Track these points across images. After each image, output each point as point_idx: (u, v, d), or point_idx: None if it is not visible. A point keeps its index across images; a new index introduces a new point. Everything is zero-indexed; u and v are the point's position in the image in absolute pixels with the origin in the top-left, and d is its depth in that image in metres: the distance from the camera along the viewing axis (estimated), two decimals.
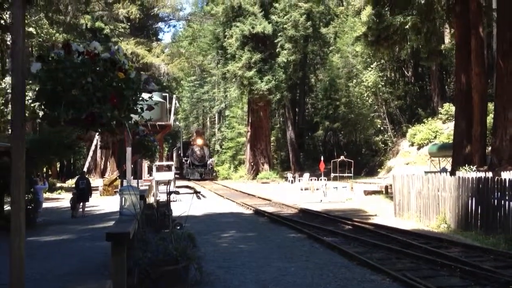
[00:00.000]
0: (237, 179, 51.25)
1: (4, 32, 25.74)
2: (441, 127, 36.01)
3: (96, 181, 32.53)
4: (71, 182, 35.97)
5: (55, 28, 34.72)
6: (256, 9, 45.07)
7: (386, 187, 23.88)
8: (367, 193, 24.05)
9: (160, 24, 60.59)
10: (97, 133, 33.93)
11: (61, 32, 35.00)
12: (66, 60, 2.84)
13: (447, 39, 36.41)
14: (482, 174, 14.39)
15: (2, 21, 24.34)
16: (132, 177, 11.93)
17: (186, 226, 8.70)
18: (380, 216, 16.68)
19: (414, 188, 15.33)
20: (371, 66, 42.49)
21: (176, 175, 31.25)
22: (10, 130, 32.23)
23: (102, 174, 41.11)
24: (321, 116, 49.60)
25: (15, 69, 2.58)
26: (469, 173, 16.07)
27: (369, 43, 25.41)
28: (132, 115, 3.19)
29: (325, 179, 26.80)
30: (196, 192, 29.49)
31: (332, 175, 33.53)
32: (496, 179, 12.42)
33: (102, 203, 22.46)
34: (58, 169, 50.47)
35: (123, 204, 6.58)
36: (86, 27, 40.07)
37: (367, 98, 43.58)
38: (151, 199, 16.63)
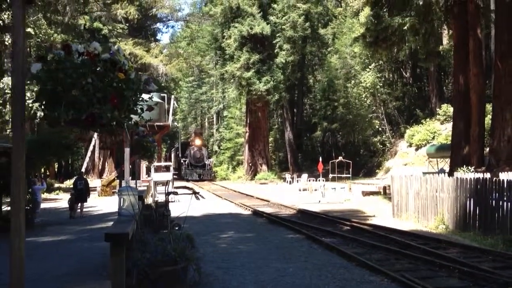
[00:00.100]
0: (235, 180, 51.25)
1: (2, 32, 25.70)
2: (439, 128, 36.07)
3: (94, 182, 32.49)
4: (69, 183, 35.94)
5: (53, 29, 34.69)
6: (254, 10, 45.09)
7: (384, 188, 23.88)
8: (365, 194, 24.06)
9: (159, 25, 60.70)
10: (96, 134, 33.94)
11: (59, 33, 34.97)
12: (66, 61, 2.84)
13: (445, 40, 36.41)
14: (480, 175, 14.41)
15: (0, 22, 24.31)
16: (130, 177, 11.94)
17: (185, 227, 8.70)
18: (378, 217, 16.69)
19: (412, 189, 15.34)
20: (369, 67, 42.55)
21: (174, 176, 31.22)
22: (8, 131, 32.24)
23: (100, 175, 41.06)
24: (319, 116, 49.65)
25: (15, 69, 2.58)
26: (467, 174, 16.08)
27: (368, 44, 25.42)
28: (132, 116, 3.19)
29: (323, 180, 26.81)
30: (195, 193, 29.45)
31: (330, 175, 33.56)
32: (494, 180, 12.44)
33: (100, 203, 22.43)
34: (56, 169, 50.45)
35: (121, 204, 6.57)
36: (84, 27, 40.02)
37: (365, 99, 43.65)
38: (149, 200, 16.61)
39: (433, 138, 35.12)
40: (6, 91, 28.74)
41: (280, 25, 44.72)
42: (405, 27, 22.49)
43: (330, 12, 53.05)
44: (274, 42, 44.93)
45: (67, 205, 18.02)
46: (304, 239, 12.08)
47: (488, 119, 22.21)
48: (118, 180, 27.98)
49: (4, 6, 22.54)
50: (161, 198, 16.29)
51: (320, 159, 32.75)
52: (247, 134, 51.53)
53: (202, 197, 27.37)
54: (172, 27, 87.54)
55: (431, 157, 30.00)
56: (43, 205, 18.83)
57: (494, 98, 18.89)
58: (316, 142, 53.73)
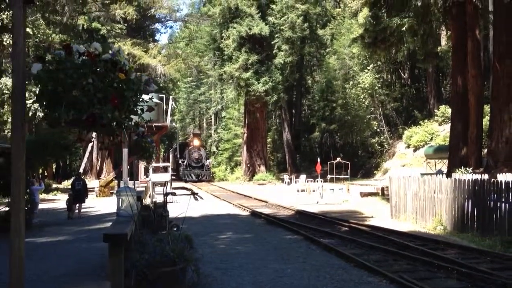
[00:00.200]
0: (233, 181, 51.25)
1: (1, 32, 25.68)
2: (437, 129, 36.11)
3: (92, 182, 32.47)
4: (67, 183, 35.91)
5: (51, 29, 34.66)
6: (253, 11, 45.11)
7: (382, 189, 23.90)
8: (364, 194, 24.07)
9: (157, 25, 60.67)
10: (94, 134, 33.91)
11: (57, 33, 34.94)
12: (67, 61, 2.83)
13: (443, 41, 36.48)
14: (478, 176, 14.43)
15: None
16: (128, 178, 11.92)
17: (183, 228, 8.68)
18: (377, 217, 16.71)
19: (411, 190, 15.36)
20: (368, 68, 42.59)
21: (172, 177, 31.22)
22: (6, 131, 32.15)
23: (98, 175, 41.06)
24: (317, 117, 49.67)
25: (15, 69, 2.57)
26: (465, 175, 16.10)
27: (366, 45, 25.46)
28: (132, 116, 3.19)
29: (321, 181, 26.82)
30: (193, 194, 29.40)
31: (329, 176, 33.58)
32: (492, 181, 12.46)
33: (98, 204, 22.41)
34: (54, 170, 50.40)
35: (120, 205, 6.56)
36: (83, 27, 39.99)
37: (363, 100, 43.69)
38: (147, 201, 16.60)
39: (431, 139, 35.15)
40: (4, 91, 28.72)
41: (279, 26, 44.75)
42: (404, 28, 22.54)
43: (328, 13, 53.09)
44: (272, 42, 44.94)
45: (65, 206, 18.01)
46: (302, 240, 12.08)
47: (486, 121, 22.26)
48: (116, 181, 27.97)
49: (2, 6, 22.50)
50: (159, 198, 16.29)
51: (318, 160, 32.77)
52: (245, 135, 51.52)
53: (201, 197, 27.31)
54: (171, 27, 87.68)
55: (429, 158, 30.06)
56: (41, 206, 18.82)
57: (492, 100, 18.93)
58: (314, 143, 53.75)
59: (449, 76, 35.39)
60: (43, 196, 24.99)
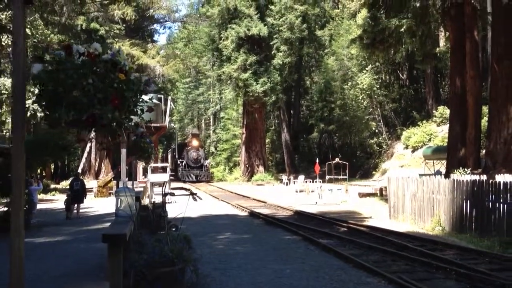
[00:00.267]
0: (232, 181, 51.25)
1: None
2: (436, 130, 36.14)
3: (90, 183, 32.44)
4: (65, 184, 35.88)
5: (50, 29, 34.65)
6: (251, 11, 45.12)
7: (381, 190, 23.91)
8: (362, 195, 24.08)
9: (156, 26, 60.64)
10: (92, 134, 33.88)
11: (56, 33, 34.93)
12: (67, 61, 2.83)
13: (442, 42, 36.54)
14: (476, 177, 14.44)
15: None
16: (127, 178, 11.92)
17: (182, 228, 8.68)
18: (375, 218, 16.72)
19: (409, 190, 15.37)
20: (366, 68, 42.61)
21: (171, 177, 31.22)
22: (4, 131, 32.11)
23: (97, 176, 41.00)
24: (316, 118, 49.68)
25: (15, 69, 2.57)
26: (463, 176, 16.12)
27: (365, 45, 25.49)
28: (132, 117, 3.19)
29: (320, 181, 26.83)
30: (192, 194, 29.45)
31: (327, 177, 33.61)
32: (490, 182, 12.48)
33: (97, 204, 22.38)
34: (52, 170, 50.32)
35: (119, 205, 6.56)
36: (81, 28, 39.96)
37: (362, 101, 43.71)
38: (146, 201, 16.60)
39: (430, 140, 35.19)
40: (2, 91, 28.69)
41: (277, 27, 44.77)
42: (402, 29, 22.58)
43: (327, 14, 53.13)
44: (271, 43, 44.96)
45: (63, 206, 17.98)
46: (301, 240, 12.09)
47: (484, 122, 22.30)
48: (114, 181, 27.95)
49: (1, 6, 22.48)
50: (158, 199, 16.30)
51: (317, 160, 32.80)
52: (244, 135, 51.53)
53: (200, 198, 27.37)
54: (169, 28, 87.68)
55: (427, 159, 30.09)
56: (39, 206, 18.79)
57: (491, 101, 18.95)
58: (312, 143, 53.77)
59: (448, 77, 35.40)
60: (41, 196, 24.96)
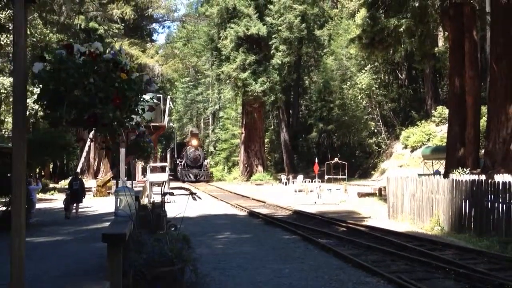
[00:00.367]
0: (231, 181, 51.25)
1: None
2: (435, 130, 36.16)
3: (89, 182, 32.41)
4: (64, 183, 35.87)
5: (48, 28, 34.60)
6: (250, 11, 45.10)
7: (380, 189, 23.94)
8: (361, 195, 24.11)
9: (155, 25, 60.48)
10: (91, 134, 33.86)
11: (54, 32, 34.88)
12: (68, 61, 2.83)
13: (440, 42, 36.57)
14: (475, 177, 14.46)
15: None
16: (126, 178, 11.91)
17: (181, 228, 8.68)
18: (374, 218, 16.72)
19: (408, 190, 15.38)
20: (365, 68, 42.62)
21: (170, 177, 31.20)
22: (3, 131, 32.06)
23: (95, 175, 40.98)
24: (315, 118, 49.68)
25: (17, 69, 2.57)
26: (462, 176, 16.14)
27: (364, 45, 25.46)
28: (133, 116, 3.19)
29: (319, 181, 26.84)
30: (192, 194, 29.44)
31: (326, 177, 33.61)
32: (489, 182, 12.50)
33: (96, 204, 22.38)
34: (51, 169, 50.29)
35: (118, 205, 6.56)
36: (80, 27, 39.92)
37: (361, 101, 43.71)
38: (144, 201, 16.60)
39: (429, 140, 35.21)
40: (1, 90, 28.65)
41: (276, 26, 44.76)
42: (401, 29, 22.55)
43: (326, 14, 53.08)
44: (270, 43, 44.95)
45: (62, 206, 17.98)
46: (300, 240, 12.10)
47: (483, 121, 22.32)
48: (113, 181, 27.94)
49: (0, 5, 22.44)
50: (157, 199, 16.29)
51: (316, 160, 32.80)
52: (243, 135, 51.52)
53: (199, 197, 27.37)
54: (168, 27, 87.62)
55: (426, 159, 30.10)
56: (38, 206, 18.79)
57: (490, 100, 18.96)
58: (311, 143, 53.76)
59: (446, 77, 35.43)
60: (40, 195, 24.94)
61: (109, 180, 28.97)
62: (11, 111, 25.38)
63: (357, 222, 15.08)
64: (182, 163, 51.96)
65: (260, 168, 49.87)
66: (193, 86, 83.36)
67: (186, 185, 41.79)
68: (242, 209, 20.50)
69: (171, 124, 67.69)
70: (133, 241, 6.66)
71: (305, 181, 29.67)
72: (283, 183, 39.06)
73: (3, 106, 29.12)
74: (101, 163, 41.63)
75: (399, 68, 47.72)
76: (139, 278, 5.92)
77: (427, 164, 30.14)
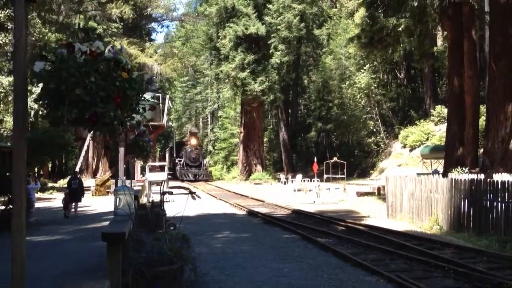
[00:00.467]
0: (229, 180, 51.22)
1: None
2: (433, 129, 36.17)
3: (88, 181, 32.39)
4: (62, 182, 35.86)
5: (47, 28, 34.56)
6: (249, 10, 45.07)
7: (379, 189, 23.96)
8: (360, 194, 24.13)
9: (153, 24, 60.36)
10: (89, 134, 33.85)
11: (53, 32, 34.85)
12: (69, 59, 2.84)
13: (439, 42, 36.56)
14: (474, 176, 14.48)
15: None
16: (124, 177, 11.91)
17: (180, 227, 8.69)
18: (373, 217, 16.74)
19: (407, 189, 15.40)
20: (364, 68, 42.60)
21: (169, 176, 31.20)
22: (2, 130, 32.03)
23: (94, 174, 40.95)
24: (314, 117, 49.68)
25: (17, 68, 2.58)
26: (461, 175, 16.16)
27: (362, 45, 25.46)
28: (134, 115, 3.20)
29: (318, 180, 26.84)
30: (191, 193, 29.43)
31: (325, 176, 33.61)
32: (488, 181, 12.52)
33: (94, 203, 22.37)
34: (49, 169, 50.26)
35: (117, 204, 6.56)
36: (78, 26, 39.86)
37: (359, 100, 43.70)
38: (143, 200, 16.60)
39: (427, 139, 35.21)
40: (0, 90, 28.61)
41: (275, 26, 44.73)
42: (400, 28, 22.56)
43: (325, 13, 53.08)
44: (269, 42, 44.92)
45: (61, 205, 17.97)
46: (299, 239, 12.11)
47: (482, 121, 22.33)
48: (112, 180, 27.93)
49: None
50: (156, 198, 16.30)
51: (315, 159, 32.79)
52: (242, 134, 51.51)
53: (198, 197, 27.36)
54: (167, 26, 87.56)
55: (425, 158, 30.10)
56: (37, 205, 18.76)
57: (488, 100, 18.97)
58: (310, 142, 53.77)
59: (445, 76, 35.48)
60: (39, 195, 24.93)
61: (108, 179, 28.95)
62: (9, 110, 25.38)
63: (356, 221, 15.09)
64: (181, 162, 51.88)
65: (259, 167, 49.87)
66: (192, 86, 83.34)
67: (185, 184, 41.76)
68: (241, 208, 20.51)
69: (170, 123, 67.70)
70: (132, 240, 6.67)
71: (304, 181, 29.67)
72: (282, 182, 39.06)
73: (1, 105, 29.07)
74: (100, 162, 41.61)
75: (398, 67, 47.74)
76: (138, 277, 5.92)
77: (426, 163, 30.14)
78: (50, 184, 35.83)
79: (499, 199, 11.83)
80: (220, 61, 47.94)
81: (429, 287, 7.19)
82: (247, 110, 50.17)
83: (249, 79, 44.25)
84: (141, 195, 16.10)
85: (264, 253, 10.08)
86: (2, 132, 32.85)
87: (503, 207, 11.72)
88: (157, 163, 31.61)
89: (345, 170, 34.57)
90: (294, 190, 26.01)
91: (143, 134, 9.06)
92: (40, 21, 32.63)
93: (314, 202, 22.35)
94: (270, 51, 44.97)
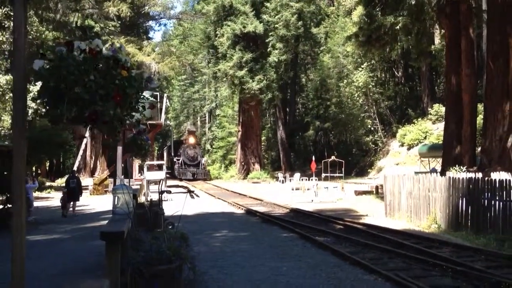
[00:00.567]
0: (227, 179, 51.20)
1: None
2: (431, 128, 36.22)
3: (86, 180, 32.34)
4: (60, 181, 35.77)
5: (44, 26, 34.47)
6: (247, 8, 45.04)
7: (377, 187, 23.99)
8: (358, 193, 24.16)
9: (151, 23, 60.24)
10: (87, 133, 33.81)
11: (50, 30, 34.76)
12: (69, 58, 2.83)
13: (437, 40, 36.60)
14: (472, 175, 14.50)
15: None
16: (123, 176, 11.90)
17: (179, 226, 8.69)
18: (371, 216, 16.76)
19: (405, 188, 15.41)
20: (362, 66, 42.64)
21: (167, 175, 31.18)
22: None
23: (92, 173, 40.87)
24: (311, 116, 49.69)
25: (16, 66, 2.56)
26: (459, 174, 16.18)
27: (360, 43, 25.45)
28: (133, 113, 3.19)
29: (316, 179, 26.85)
30: (189, 191, 29.42)
31: (323, 175, 33.61)
32: (486, 180, 12.54)
33: (92, 202, 22.36)
34: (47, 168, 50.19)
35: (116, 203, 6.55)
36: (76, 25, 39.79)
37: (357, 98, 43.75)
38: (141, 199, 16.59)
39: (425, 137, 35.26)
40: None
41: (273, 24, 44.68)
42: (398, 27, 22.58)
43: (322, 11, 53.06)
44: (267, 41, 44.87)
45: (59, 204, 17.95)
46: (297, 238, 12.11)
47: (479, 119, 22.35)
48: (110, 179, 27.93)
49: None
50: (154, 197, 16.28)
51: (313, 158, 32.79)
52: (240, 133, 51.49)
53: (197, 195, 27.36)
54: (165, 25, 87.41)
55: (423, 157, 30.13)
56: (35, 204, 18.73)
57: (486, 98, 18.98)
58: (308, 141, 53.80)
59: (443, 75, 35.48)
60: (36, 194, 24.88)
61: (106, 178, 28.95)
62: (7, 109, 25.30)
63: (354, 220, 15.11)
64: (180, 161, 51.76)
65: (257, 166, 49.86)
66: (189, 84, 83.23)
67: (183, 183, 41.71)
68: (239, 207, 20.51)
69: (168, 122, 67.61)
70: (131, 239, 6.66)
71: (302, 179, 29.67)
72: (280, 181, 39.07)
73: None
74: (98, 161, 41.53)
75: (395, 66, 47.78)
76: (137, 276, 5.92)
77: (424, 162, 30.19)
78: (48, 183, 35.77)
79: (497, 198, 11.85)
80: (218, 60, 47.90)
81: (428, 285, 7.19)
82: (245, 108, 50.14)
83: (247, 78, 44.22)
84: (139, 194, 16.07)
85: (263, 252, 10.09)
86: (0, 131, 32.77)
87: (501, 205, 11.75)
88: (155, 162, 31.58)
89: (343, 169, 34.58)
90: (292, 189, 26.03)
91: (142, 133, 9.04)
92: (37, 20, 32.55)
93: (312, 201, 22.36)
94: (268, 50, 44.93)
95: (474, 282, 7.57)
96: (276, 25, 44.42)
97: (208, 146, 75.79)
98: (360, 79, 41.90)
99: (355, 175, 40.63)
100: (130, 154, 12.09)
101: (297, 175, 32.84)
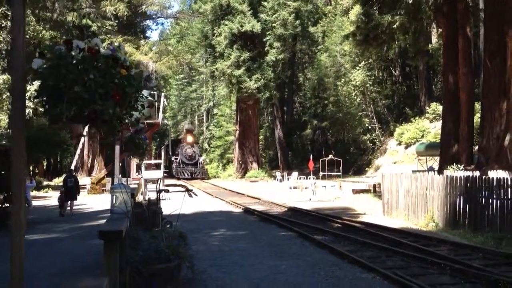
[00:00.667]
0: (225, 178, 51.17)
1: None
2: (428, 126, 36.27)
3: (83, 179, 32.30)
4: (58, 181, 35.71)
5: (41, 25, 34.40)
6: (244, 7, 44.99)
7: (374, 186, 24.02)
8: (356, 191, 24.18)
9: (148, 22, 60.17)
10: (85, 132, 33.75)
11: (47, 29, 34.70)
12: (68, 57, 2.83)
13: (434, 39, 36.67)
14: (469, 173, 14.54)
15: None
16: (120, 175, 11.88)
17: (177, 225, 8.70)
18: (369, 214, 16.78)
19: (403, 186, 15.43)
20: (359, 65, 42.67)
21: (164, 174, 31.14)
22: None
23: (90, 172, 40.81)
24: (309, 115, 49.71)
25: (15, 66, 2.56)
26: (456, 172, 16.21)
27: (358, 42, 25.49)
28: (133, 112, 3.19)
29: (313, 178, 26.87)
30: (188, 190, 29.38)
31: (321, 173, 33.64)
32: (484, 178, 12.57)
33: (90, 201, 22.33)
34: (45, 167, 50.07)
35: (114, 202, 6.55)
36: (73, 24, 39.71)
37: (355, 97, 43.78)
38: (139, 198, 16.58)
39: (422, 136, 35.31)
40: None
41: (271, 23, 44.66)
42: (395, 26, 22.60)
43: (320, 10, 53.10)
44: (264, 40, 44.85)
45: (56, 203, 17.93)
46: (296, 236, 12.12)
47: (477, 118, 22.40)
48: (108, 178, 27.90)
49: None
50: (152, 196, 16.28)
51: (311, 157, 32.81)
52: (237, 132, 51.46)
53: (195, 194, 27.33)
54: (162, 24, 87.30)
55: (420, 155, 30.17)
56: (32, 203, 18.70)
57: (483, 97, 19.02)
58: (306, 140, 53.83)
59: (440, 74, 35.51)
60: (34, 193, 24.83)
61: (103, 178, 28.91)
62: (4, 108, 25.26)
63: (352, 219, 15.13)
64: (177, 160, 51.61)
65: (254, 165, 49.85)
66: (187, 83, 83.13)
67: (181, 182, 41.66)
68: (237, 206, 20.52)
69: (166, 121, 67.55)
70: (129, 238, 6.66)
71: (299, 178, 29.70)
72: (277, 180, 39.10)
73: None
74: (95, 161, 41.46)
75: (393, 65, 47.81)
76: (135, 275, 5.92)
77: (421, 160, 30.22)
78: (45, 183, 35.73)
79: (495, 196, 11.89)
80: (215, 59, 47.86)
81: (426, 284, 7.20)
82: (242, 107, 50.11)
83: (245, 77, 44.20)
84: (137, 193, 16.07)
85: (261, 251, 10.10)
86: None
87: (498, 204, 11.78)
88: (153, 161, 31.54)
89: (340, 168, 34.62)
90: (290, 188, 26.02)
91: (140, 131, 9.02)
92: (34, 19, 32.49)
93: (310, 199, 22.38)
94: (266, 49, 44.90)
95: (472, 280, 7.59)
96: (273, 24, 44.40)
97: (206, 145, 75.72)
98: (358, 78, 41.93)
99: (353, 174, 40.67)
100: (128, 153, 12.07)
101: (295, 174, 32.87)
